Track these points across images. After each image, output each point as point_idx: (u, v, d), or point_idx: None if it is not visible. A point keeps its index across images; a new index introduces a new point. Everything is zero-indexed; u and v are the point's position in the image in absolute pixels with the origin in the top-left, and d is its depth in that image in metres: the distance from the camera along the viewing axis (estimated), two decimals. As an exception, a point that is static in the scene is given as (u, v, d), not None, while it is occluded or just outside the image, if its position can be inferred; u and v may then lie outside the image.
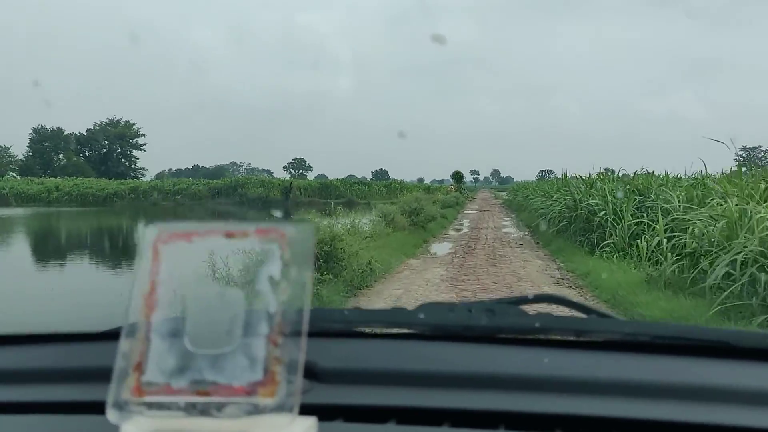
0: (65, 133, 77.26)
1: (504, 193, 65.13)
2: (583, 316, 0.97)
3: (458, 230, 19.87)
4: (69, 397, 0.77)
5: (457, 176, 57.17)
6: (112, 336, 0.79)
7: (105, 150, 77.83)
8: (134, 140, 78.36)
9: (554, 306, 1.05)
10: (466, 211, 32.85)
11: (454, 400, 0.73)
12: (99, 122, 78.78)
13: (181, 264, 0.62)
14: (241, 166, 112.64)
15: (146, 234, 0.62)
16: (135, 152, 79.24)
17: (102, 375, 0.62)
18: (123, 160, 77.61)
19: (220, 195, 50.27)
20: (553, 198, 17.11)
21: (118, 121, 78.22)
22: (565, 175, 18.30)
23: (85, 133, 78.00)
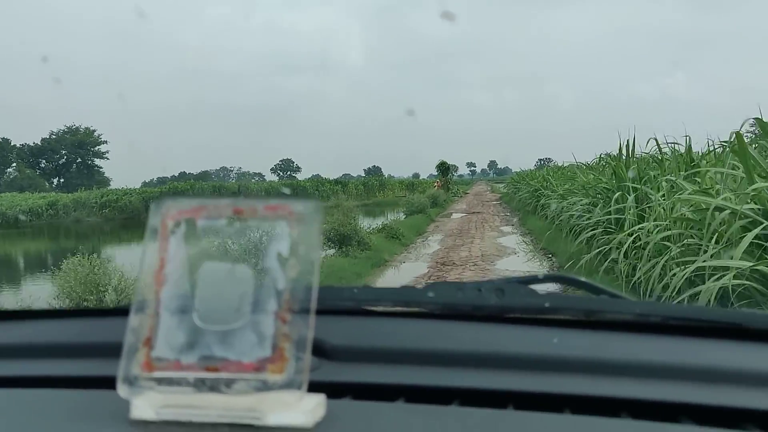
0: (12, 144, 69.32)
1: (502, 186, 57.01)
2: (593, 296, 0.96)
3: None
4: (80, 372, 0.77)
5: (443, 168, 46.57)
6: (122, 312, 0.79)
7: (63, 160, 71.28)
8: (96, 148, 71.54)
9: (564, 286, 1.05)
10: (438, 222, 20.53)
11: (463, 379, 0.73)
12: (56, 130, 71.45)
13: (190, 240, 0.61)
14: (232, 170, 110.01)
15: (155, 210, 0.62)
16: (97, 161, 72.42)
17: (112, 350, 0.62)
18: (84, 170, 70.77)
19: None
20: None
21: (77, 129, 71.26)
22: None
23: (39, 143, 70.40)
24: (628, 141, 9.33)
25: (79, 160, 70.85)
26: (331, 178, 55.82)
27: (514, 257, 11.74)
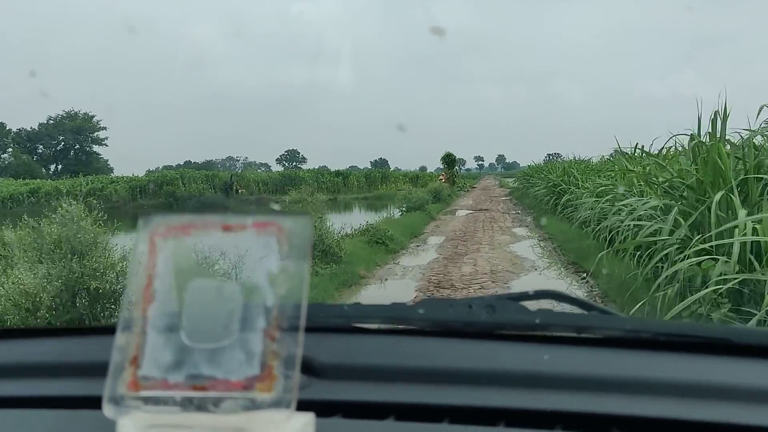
0: (7, 129, 65.85)
1: (511, 180, 54.13)
2: (584, 312, 0.96)
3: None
4: (65, 392, 0.76)
5: (449, 159, 40.98)
6: (108, 330, 0.78)
7: (60, 146, 68.38)
8: (94, 134, 68.67)
9: (555, 302, 1.05)
10: (439, 221, 17.84)
11: (454, 397, 0.73)
12: (54, 116, 67.90)
13: (178, 257, 0.61)
14: (238, 160, 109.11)
15: (143, 226, 0.62)
16: (96, 148, 69.10)
17: (98, 369, 0.61)
18: (82, 157, 67.40)
19: (144, 195, 39.65)
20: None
21: (76, 114, 67.76)
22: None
23: (36, 128, 67.58)
24: (716, 114, 5.89)
25: (78, 146, 68.22)
26: (337, 170, 54.27)
27: (536, 276, 8.63)
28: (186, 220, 0.61)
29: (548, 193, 17.94)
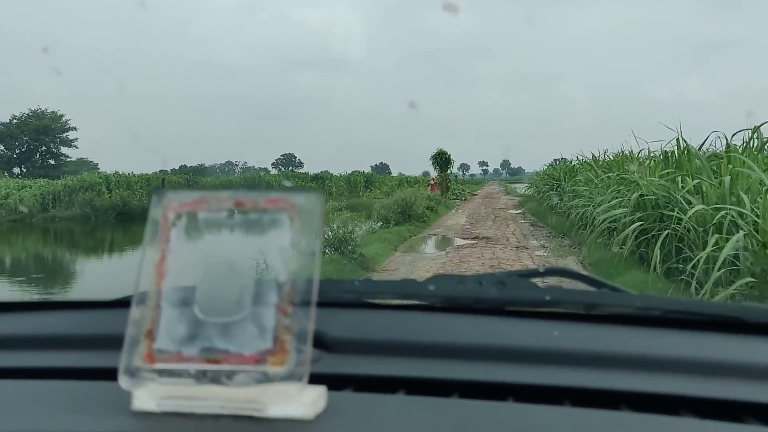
0: None
1: (520, 186, 44.21)
2: (594, 289, 0.96)
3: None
4: (82, 364, 0.78)
5: (441, 159, 31.94)
6: (123, 304, 0.79)
7: (23, 148, 60.49)
8: (63, 135, 60.86)
9: (565, 279, 1.05)
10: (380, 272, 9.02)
11: (464, 372, 0.73)
12: (19, 114, 60.25)
13: (192, 232, 0.61)
14: (237, 165, 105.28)
15: (156, 203, 0.62)
16: (64, 149, 61.60)
17: (114, 342, 0.62)
18: (49, 159, 60.59)
19: (57, 204, 31.62)
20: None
21: (43, 113, 60.69)
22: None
23: None
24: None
25: (43, 148, 60.85)
26: (315, 173, 50.00)
27: None
28: (198, 196, 0.62)
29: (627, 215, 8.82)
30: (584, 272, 1.00)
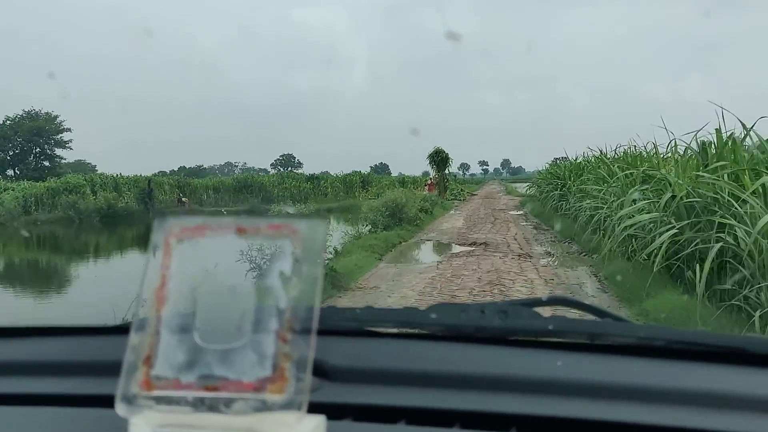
0: None
1: (520, 186, 43.78)
2: (598, 319, 0.96)
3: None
4: (79, 390, 0.77)
5: (438, 158, 30.65)
6: (122, 330, 0.79)
7: (17, 149, 61.37)
8: (58, 136, 60.60)
9: (568, 309, 1.04)
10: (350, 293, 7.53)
11: (465, 402, 0.72)
12: (13, 116, 58.83)
13: (193, 258, 0.61)
14: (236, 165, 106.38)
15: (158, 227, 0.62)
16: (59, 151, 60.17)
17: (112, 368, 0.62)
18: (43, 161, 59.02)
19: (40, 207, 30.08)
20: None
21: (37, 114, 59.32)
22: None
23: None
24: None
25: (37, 149, 60.34)
26: (312, 173, 48.31)
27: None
28: (200, 221, 0.62)
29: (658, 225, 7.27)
30: (586, 302, 1.00)
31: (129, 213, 29.46)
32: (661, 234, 6.46)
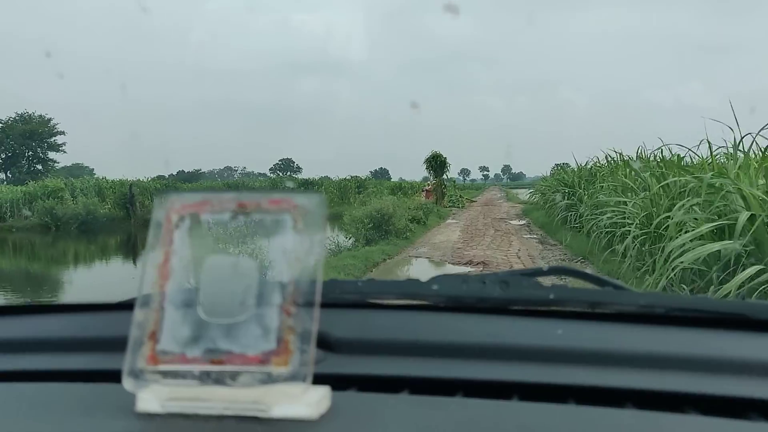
0: None
1: (522, 192, 42.23)
2: (598, 288, 0.96)
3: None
4: (85, 366, 0.78)
5: (436, 163, 29.06)
6: (126, 306, 0.79)
7: (9, 153, 58.48)
8: (51, 139, 58.98)
9: (569, 278, 1.05)
10: None
11: (467, 371, 0.73)
12: (4, 119, 57.94)
13: (195, 234, 0.62)
14: (236, 170, 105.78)
15: (160, 204, 0.62)
16: (52, 154, 59.50)
17: (118, 344, 0.62)
18: (36, 164, 58.36)
19: (15, 212, 28.66)
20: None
21: (30, 117, 58.74)
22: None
23: None
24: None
25: (30, 152, 58.98)
26: (306, 178, 47.05)
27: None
28: (201, 198, 0.62)
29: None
30: (587, 271, 1.00)
31: (110, 220, 27.81)
32: (735, 270, 4.66)
